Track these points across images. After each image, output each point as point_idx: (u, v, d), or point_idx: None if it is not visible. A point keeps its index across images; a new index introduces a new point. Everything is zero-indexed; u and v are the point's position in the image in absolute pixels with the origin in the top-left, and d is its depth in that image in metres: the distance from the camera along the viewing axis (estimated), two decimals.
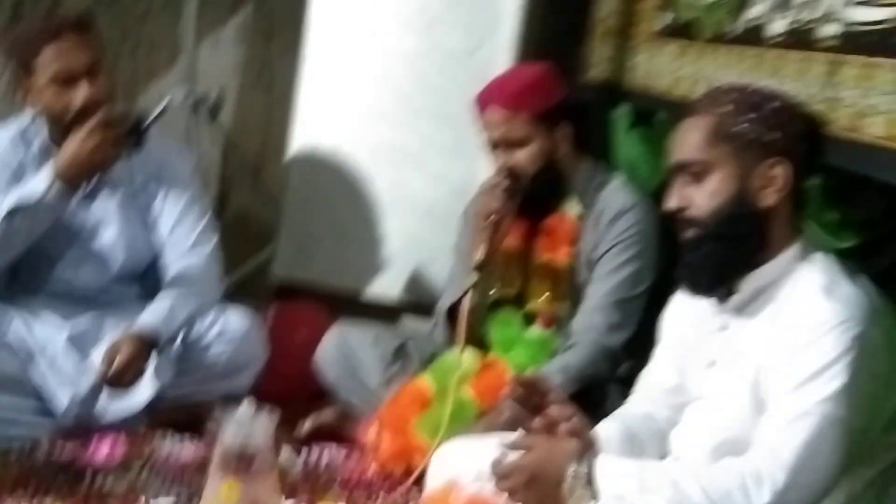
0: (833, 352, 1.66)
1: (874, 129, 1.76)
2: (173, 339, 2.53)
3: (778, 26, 2.13)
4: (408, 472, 2.34)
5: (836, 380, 1.65)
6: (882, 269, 1.90)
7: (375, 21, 3.25)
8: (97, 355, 2.46)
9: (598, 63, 3.02)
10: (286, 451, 2.50)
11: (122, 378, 2.39)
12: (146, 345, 2.43)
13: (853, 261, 1.85)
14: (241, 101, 3.82)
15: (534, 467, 1.78)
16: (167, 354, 2.53)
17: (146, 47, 3.79)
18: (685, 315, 2.00)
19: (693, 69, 2.61)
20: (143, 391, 2.48)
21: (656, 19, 2.86)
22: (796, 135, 1.82)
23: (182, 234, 2.65)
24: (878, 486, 1.78)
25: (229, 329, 2.63)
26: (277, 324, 2.98)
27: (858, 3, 1.83)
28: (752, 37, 2.25)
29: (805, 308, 1.71)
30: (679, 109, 2.55)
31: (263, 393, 2.38)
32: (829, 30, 1.92)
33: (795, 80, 2.02)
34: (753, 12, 2.26)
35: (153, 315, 2.49)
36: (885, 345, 1.70)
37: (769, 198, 1.79)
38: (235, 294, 3.23)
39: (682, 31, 2.70)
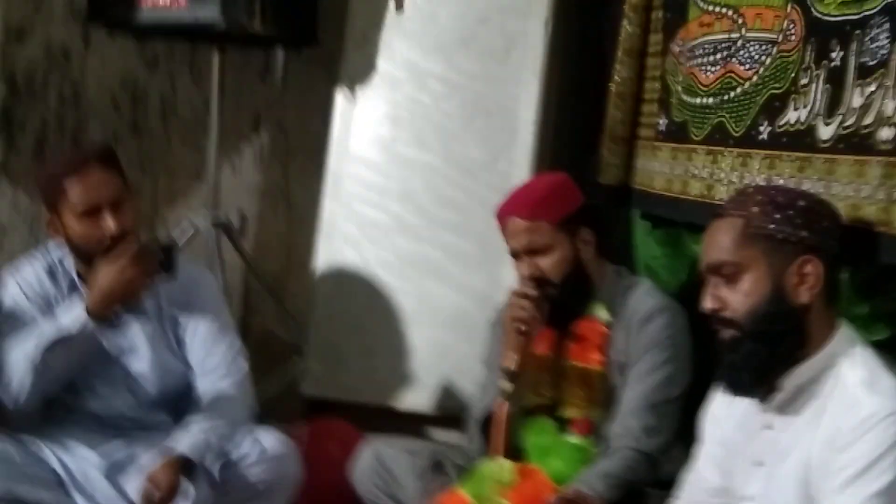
0: (882, 446, 1.66)
1: None
2: (209, 466, 2.52)
3: (826, 132, 2.18)
4: None
5: (886, 474, 1.66)
6: None
7: (394, 138, 3.32)
8: (132, 485, 2.45)
9: (610, 166, 3.08)
10: None
11: None
12: (182, 471, 2.42)
13: (886, 353, 1.87)
14: (263, 223, 3.90)
15: None
16: (202, 482, 2.52)
17: (168, 174, 3.88)
18: (727, 415, 2.00)
19: (684, 169, 2.67)
20: None
21: (656, 124, 2.94)
22: (825, 231, 1.86)
23: (214, 361, 2.67)
24: None
25: (266, 450, 2.62)
26: (310, 441, 2.97)
27: None
28: (792, 140, 2.30)
29: (849, 403, 1.73)
30: (675, 209, 2.64)
31: None
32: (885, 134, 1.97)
33: (847, 183, 2.07)
34: (790, 117, 2.32)
35: (188, 441, 2.48)
36: None
37: (803, 295, 1.82)
38: (264, 414, 3.24)
39: (675, 135, 2.77)
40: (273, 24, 3.27)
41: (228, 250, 3.68)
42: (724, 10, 2.57)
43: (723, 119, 2.55)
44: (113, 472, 2.55)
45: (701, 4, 2.68)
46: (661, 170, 2.86)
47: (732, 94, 2.52)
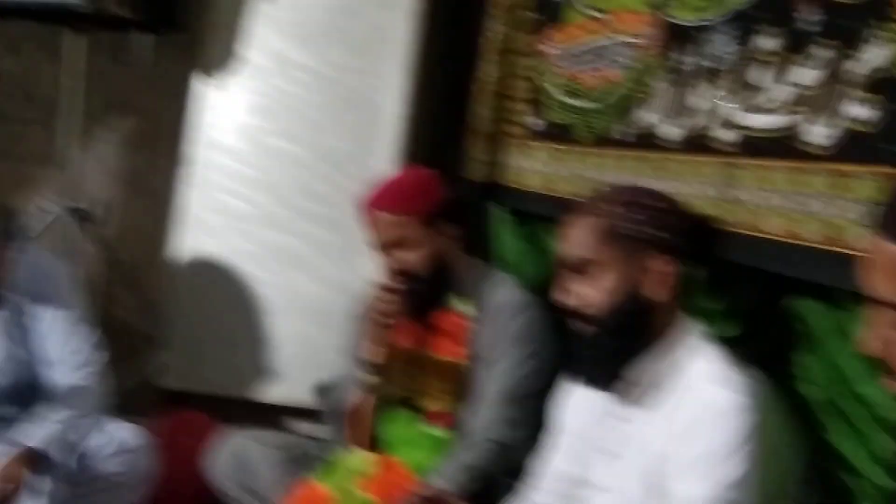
0: (733, 439, 1.72)
1: (770, 227, 1.87)
2: (63, 459, 2.46)
3: (671, 133, 2.26)
4: None
5: (737, 466, 1.71)
6: (762, 357, 2.01)
7: (259, 128, 3.29)
8: None
9: (476, 162, 3.12)
10: None
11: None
12: (33, 464, 2.36)
13: (732, 347, 1.96)
14: (124, 211, 3.80)
15: None
16: (56, 475, 2.45)
17: (27, 160, 3.76)
18: (580, 406, 2.05)
19: (569, 170, 2.74)
20: None
21: (527, 123, 3.00)
22: (680, 231, 1.93)
23: (68, 353, 2.61)
24: None
25: (121, 443, 2.59)
26: (167, 434, 2.92)
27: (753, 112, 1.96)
28: (644, 141, 2.37)
29: (699, 396, 1.79)
30: (548, 207, 2.70)
31: None
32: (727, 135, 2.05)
33: (693, 184, 2.14)
34: (643, 119, 2.39)
35: (39, 434, 2.42)
36: (774, 427, 1.78)
37: (658, 292, 1.89)
38: (122, 405, 3.17)
39: (556, 135, 2.83)
40: (136, 8, 3.20)
41: (87, 238, 3.59)
42: (599, 15, 2.64)
43: (599, 121, 2.62)
44: None
45: (580, 9, 2.74)
46: (535, 168, 2.90)
47: (610, 97, 2.59)
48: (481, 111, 3.13)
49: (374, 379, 2.42)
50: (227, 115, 3.32)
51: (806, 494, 1.87)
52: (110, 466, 2.56)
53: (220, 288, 3.27)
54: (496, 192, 3.13)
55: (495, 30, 3.09)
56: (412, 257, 2.59)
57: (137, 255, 3.81)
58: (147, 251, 3.79)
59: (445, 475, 2.42)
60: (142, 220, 3.80)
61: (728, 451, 1.72)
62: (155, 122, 3.80)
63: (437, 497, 1.95)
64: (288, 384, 3.24)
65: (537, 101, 2.96)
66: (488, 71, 3.11)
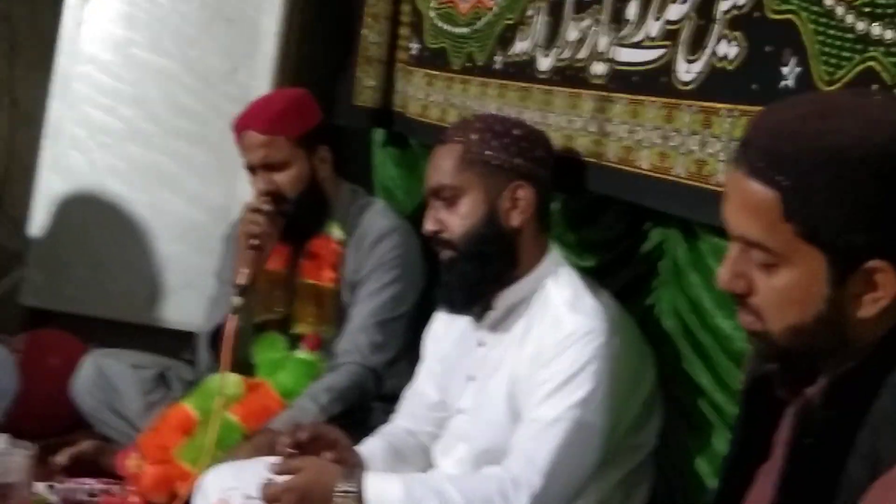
0: (579, 361, 1.79)
1: (640, 162, 1.90)
2: None
3: (544, 63, 2.26)
4: (171, 500, 2.29)
5: (583, 387, 1.78)
6: (620, 286, 2.07)
7: (129, 39, 3.17)
8: None
9: (365, 88, 3.08)
10: (42, 487, 2.40)
11: None
12: None
13: (594, 278, 2.00)
14: None
15: (303, 488, 1.80)
16: None
17: None
18: (445, 333, 2.09)
19: (444, 97, 2.73)
20: None
21: (409, 48, 2.97)
22: (538, 160, 1.96)
23: None
24: (626, 485, 1.93)
25: None
26: (28, 353, 2.84)
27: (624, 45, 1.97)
28: (517, 71, 2.37)
29: (552, 321, 1.85)
30: (430, 134, 2.70)
31: (16, 426, 2.27)
32: (598, 69, 2.06)
33: (562, 114, 2.15)
34: (517, 48, 2.39)
35: None
36: (625, 352, 1.85)
37: (516, 219, 1.92)
38: None
39: (430, 61, 2.82)
40: None
41: None
42: None
43: (472, 49, 2.61)
44: None
45: None
46: (415, 94, 2.88)
47: (479, 24, 2.58)
48: (368, 34, 3.09)
49: (242, 301, 2.39)
50: (95, 25, 3.18)
51: (653, 414, 1.94)
52: None
53: (86, 204, 3.16)
54: (385, 118, 3.10)
55: None
56: (282, 178, 2.56)
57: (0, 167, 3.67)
58: (9, 164, 3.65)
59: (309, 396, 2.43)
60: (4, 132, 3.65)
61: (573, 371, 1.78)
62: (19, 30, 3.63)
63: (311, 435, 1.92)
64: (155, 305, 3.18)
65: (417, 26, 2.93)
66: None
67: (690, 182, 1.76)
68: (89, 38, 3.17)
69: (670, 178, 1.81)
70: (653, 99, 1.88)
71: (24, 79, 3.61)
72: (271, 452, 2.14)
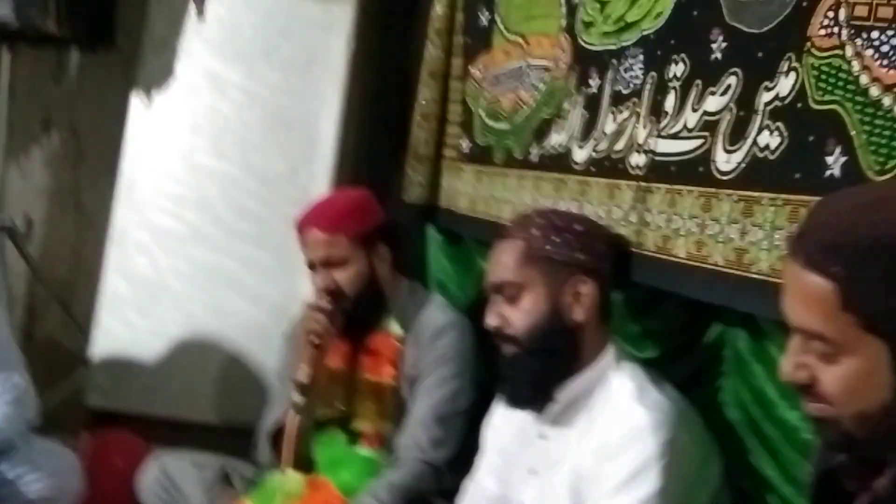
0: (645, 456, 1.76)
1: (678, 251, 1.91)
2: None
3: (580, 155, 2.30)
4: None
5: (649, 483, 1.75)
6: (682, 378, 2.05)
7: (192, 146, 3.27)
8: None
9: (415, 185, 3.15)
10: None
11: None
12: None
13: (656, 369, 2.00)
14: (50, 227, 3.76)
15: None
16: None
17: None
18: (505, 425, 2.08)
19: (489, 191, 2.77)
20: None
21: (460, 145, 3.04)
22: (600, 254, 1.97)
23: None
24: None
25: (45, 464, 2.55)
26: (94, 454, 2.89)
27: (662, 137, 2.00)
28: (552, 162, 2.41)
29: (617, 415, 1.83)
30: (478, 228, 2.74)
31: None
32: (636, 159, 2.09)
33: (599, 205, 2.18)
34: (552, 140, 2.43)
35: None
36: (691, 446, 1.82)
37: (578, 314, 1.92)
38: (47, 426, 3.12)
39: (479, 157, 2.87)
40: (68, 24, 3.17)
41: (13, 255, 3.53)
42: (519, 39, 2.68)
43: (510, 143, 2.66)
44: None
45: (504, 33, 2.79)
46: (464, 190, 2.94)
47: (517, 118, 2.63)
48: (418, 134, 3.16)
49: (303, 399, 2.42)
50: (159, 133, 3.29)
51: None
52: (34, 490, 2.52)
53: (149, 306, 3.23)
54: (433, 214, 3.15)
55: (431, 53, 3.13)
56: (343, 277, 2.60)
57: (65, 272, 3.77)
58: (75, 268, 3.75)
59: (371, 493, 2.43)
60: (70, 237, 3.76)
61: (642, 467, 1.76)
62: (85, 138, 3.77)
63: None
64: (217, 404, 3.21)
65: (468, 124, 2.99)
66: (424, 94, 3.14)
67: (729, 270, 1.76)
68: (153, 145, 3.28)
69: (707, 266, 1.81)
70: (690, 188, 1.89)
71: (90, 185, 3.73)
72: None
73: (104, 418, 3.23)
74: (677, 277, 1.91)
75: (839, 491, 1.19)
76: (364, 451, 2.60)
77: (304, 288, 2.83)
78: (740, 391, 1.94)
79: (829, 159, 1.52)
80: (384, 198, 2.95)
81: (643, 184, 2.04)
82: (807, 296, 1.12)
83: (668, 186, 1.96)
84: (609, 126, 2.19)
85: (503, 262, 1.96)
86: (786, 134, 1.64)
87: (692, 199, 1.87)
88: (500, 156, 2.74)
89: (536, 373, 1.91)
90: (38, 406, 2.70)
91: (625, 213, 2.08)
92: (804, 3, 1.60)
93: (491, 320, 1.96)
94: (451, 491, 2.36)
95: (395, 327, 2.66)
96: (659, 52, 2.01)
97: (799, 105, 1.62)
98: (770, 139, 1.68)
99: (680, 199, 1.91)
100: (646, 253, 2.01)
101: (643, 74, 2.06)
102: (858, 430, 1.13)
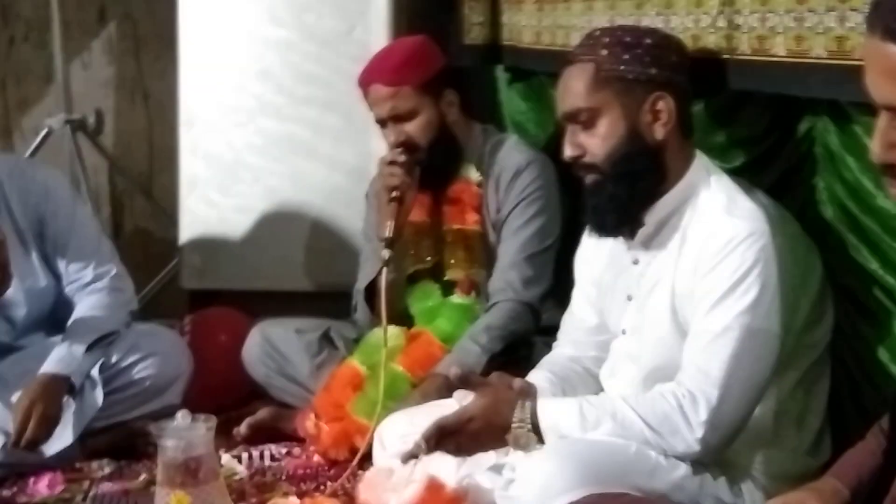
0: (743, 266, 1.72)
1: (777, 49, 1.82)
2: (79, 377, 2.48)
3: None
4: (352, 455, 2.35)
5: (749, 292, 1.72)
6: (773, 182, 1.99)
7: (245, 16, 3.21)
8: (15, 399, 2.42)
9: (473, 25, 3.05)
10: (227, 458, 2.49)
11: (36, 440, 2.37)
12: (57, 392, 2.40)
13: (746, 177, 1.93)
14: (121, 118, 3.77)
15: (482, 416, 1.80)
16: (85, 389, 2.49)
17: (15, 78, 3.71)
18: (596, 256, 2.05)
19: (553, 18, 2.66)
20: (67, 433, 2.45)
21: None
22: (675, 66, 1.87)
23: (84, 271, 2.60)
24: (806, 385, 1.87)
25: (150, 347, 2.61)
26: (197, 333, 2.94)
27: None
28: None
29: (709, 229, 1.78)
30: (546, 61, 2.64)
31: (196, 404, 2.35)
32: None
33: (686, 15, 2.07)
34: None
35: (60, 361, 2.44)
36: (789, 250, 1.78)
37: (658, 132, 1.84)
38: (148, 310, 3.20)
39: None
40: None
41: (89, 151, 3.56)
42: None
43: None
44: (1, 391, 2.50)
45: None
46: (528, 23, 2.83)
47: None
48: None
49: (390, 253, 2.41)
50: (212, 9, 3.23)
51: (825, 309, 1.87)
52: (141, 372, 2.59)
53: (228, 183, 3.24)
54: (496, 53, 3.06)
55: None
56: (413, 128, 2.56)
57: (143, 160, 3.80)
58: (152, 156, 3.77)
59: (469, 337, 2.45)
60: (142, 126, 3.78)
61: (741, 277, 1.72)
62: (142, 25, 3.74)
63: (462, 377, 1.91)
64: (310, 270, 3.24)
65: None
66: None
67: (832, 61, 1.67)
68: (208, 21, 3.23)
69: (809, 60, 1.72)
70: None
71: (153, 72, 3.72)
72: (440, 397, 2.18)
73: (202, 299, 3.29)
74: (777, 77, 1.82)
75: None
76: (458, 298, 2.61)
77: (377, 146, 2.80)
78: (834, 187, 1.87)
79: None
80: (445, 43, 2.87)
81: None
82: (891, 68, 1.06)
83: None
84: None
85: (573, 88, 1.87)
86: None
87: None
88: None
89: (622, 198, 1.85)
90: (136, 293, 2.76)
91: (713, 20, 1.98)
92: None
93: (569, 150, 1.90)
94: (549, 328, 2.36)
95: (473, 173, 2.63)
96: None
97: None
98: None
99: None
100: (740, 57, 1.91)
101: None
102: None
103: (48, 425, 2.39)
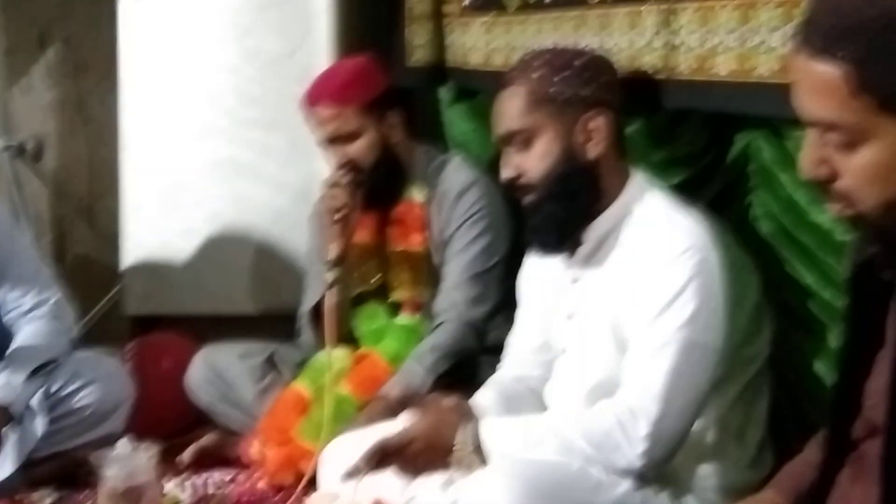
0: (681, 280, 1.74)
1: (718, 69, 1.84)
2: (19, 408, 2.44)
3: None
4: (298, 480, 2.32)
5: (688, 306, 1.73)
6: (711, 198, 2.01)
7: (187, 39, 3.18)
8: None
9: (417, 47, 3.06)
10: (171, 485, 2.46)
11: None
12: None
13: (684, 194, 1.95)
14: (62, 143, 3.72)
15: (424, 437, 1.80)
16: (26, 421, 2.45)
17: None
18: (539, 275, 2.06)
19: (505, 40, 2.68)
20: (8, 464, 2.41)
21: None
22: (606, 85, 1.89)
23: (19, 296, 2.57)
24: (746, 398, 1.89)
25: (91, 374, 2.58)
26: (140, 359, 2.91)
27: None
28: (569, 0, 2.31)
29: (647, 244, 1.80)
30: (496, 81, 2.65)
31: (140, 430, 2.33)
32: None
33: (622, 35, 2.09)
34: None
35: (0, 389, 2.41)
36: (726, 266, 1.79)
37: (593, 150, 1.86)
38: (90, 337, 3.15)
39: (486, 7, 2.77)
40: None
41: (28, 176, 3.51)
42: None
43: None
44: None
45: None
46: (474, 44, 2.84)
47: None
48: None
49: (335, 275, 2.40)
50: (152, 31, 3.20)
51: (763, 323, 1.89)
52: (82, 400, 2.55)
53: (171, 207, 3.20)
54: (440, 74, 3.07)
55: None
56: (355, 149, 2.56)
57: (84, 185, 3.75)
58: (93, 181, 3.72)
59: (414, 358, 2.44)
60: (83, 151, 3.73)
61: (679, 291, 1.73)
62: (81, 48, 3.70)
63: (406, 398, 1.92)
64: (255, 294, 3.21)
65: None
66: None
67: (775, 81, 1.70)
68: (147, 44, 3.20)
69: (752, 80, 1.75)
70: (724, 3, 1.81)
71: (94, 96, 3.67)
72: (386, 419, 2.17)
73: (146, 324, 3.25)
74: (718, 97, 1.84)
75: (876, 282, 1.16)
76: (405, 319, 2.61)
77: (322, 168, 2.79)
78: (770, 203, 1.90)
79: None
80: (388, 64, 2.88)
81: (668, 5, 1.95)
82: (817, 86, 1.09)
83: (697, 3, 1.87)
84: None
85: (508, 110, 1.89)
86: None
87: (727, 13, 1.79)
88: (513, 3, 2.63)
89: (560, 216, 1.87)
90: (76, 319, 2.72)
91: (649, 40, 2.00)
92: None
93: (506, 172, 1.91)
94: (495, 347, 2.36)
95: (417, 194, 2.64)
96: None
97: None
98: None
99: (713, 16, 1.82)
100: (680, 77, 1.94)
101: None
102: (887, 220, 1.09)
103: None
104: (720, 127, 1.99)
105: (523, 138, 1.87)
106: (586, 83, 1.86)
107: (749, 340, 1.86)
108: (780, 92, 1.67)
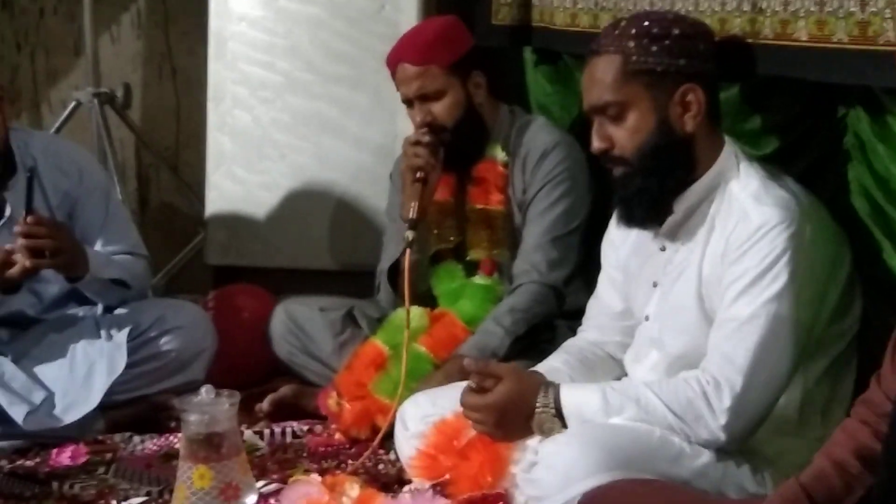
0: (772, 254, 1.71)
1: (799, 34, 1.80)
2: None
3: None
4: (374, 434, 2.35)
5: (778, 280, 1.71)
6: (805, 168, 1.97)
7: None
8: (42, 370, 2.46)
9: (502, 5, 3.03)
10: (249, 434, 2.50)
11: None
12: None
13: (776, 164, 1.91)
14: (149, 92, 3.78)
15: (503, 404, 1.81)
16: (112, 353, 2.51)
17: (44, 50, 3.72)
18: (623, 241, 2.04)
19: (594, 1, 2.63)
20: (98, 383, 2.47)
21: None
22: (703, 56, 1.84)
23: (107, 245, 2.63)
24: (832, 375, 1.85)
25: (176, 321, 2.62)
26: (221, 309, 2.95)
27: None
28: None
29: (738, 217, 1.77)
30: (581, 43, 2.61)
31: (219, 379, 2.36)
32: None
33: None
34: None
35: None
36: (818, 239, 1.76)
37: (688, 123, 1.82)
38: (172, 287, 3.21)
39: None
40: None
41: (116, 124, 3.57)
42: None
43: None
44: (26, 362, 2.51)
45: None
46: (560, 3, 2.80)
47: None
48: None
49: (413, 234, 2.41)
50: None
51: (854, 298, 1.85)
52: (165, 345, 2.60)
53: (254, 160, 3.24)
54: (525, 34, 3.04)
55: None
56: (439, 108, 2.55)
57: (170, 135, 3.80)
58: (179, 130, 3.78)
59: (492, 320, 2.45)
60: (170, 101, 3.78)
61: (770, 265, 1.71)
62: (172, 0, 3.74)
63: (483, 369, 1.91)
64: (334, 250, 3.24)
65: None
66: None
67: (854, 47, 1.64)
68: None
69: (831, 45, 1.70)
70: None
71: (182, 46, 3.72)
72: (462, 378, 2.18)
73: (227, 275, 3.30)
74: (799, 61, 1.79)
75: None
76: (481, 279, 2.60)
77: (404, 126, 2.80)
78: (864, 176, 1.85)
79: None
80: (473, 23, 2.86)
81: None
82: None
83: None
84: None
85: (601, 80, 1.84)
86: None
87: None
88: None
89: (651, 191, 1.83)
90: (161, 268, 2.77)
91: (738, 4, 1.95)
92: None
93: (597, 143, 1.87)
94: (573, 312, 2.36)
95: (499, 153, 2.62)
96: None
97: None
98: None
99: None
100: (763, 42, 1.89)
101: None
102: None
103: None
104: (817, 97, 1.94)
105: (616, 110, 1.83)
106: (684, 53, 1.81)
107: (838, 316, 1.83)
108: (859, 59, 1.63)
